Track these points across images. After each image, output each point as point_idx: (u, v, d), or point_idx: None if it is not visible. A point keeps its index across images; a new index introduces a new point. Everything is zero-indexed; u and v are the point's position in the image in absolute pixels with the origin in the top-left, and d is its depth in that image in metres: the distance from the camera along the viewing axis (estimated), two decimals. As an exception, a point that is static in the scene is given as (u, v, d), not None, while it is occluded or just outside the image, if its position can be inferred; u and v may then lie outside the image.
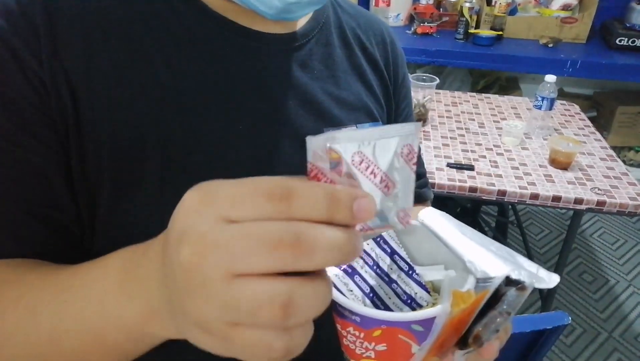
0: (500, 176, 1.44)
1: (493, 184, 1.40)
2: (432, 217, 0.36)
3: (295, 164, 0.50)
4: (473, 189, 1.39)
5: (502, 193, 1.38)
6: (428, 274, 0.37)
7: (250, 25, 0.49)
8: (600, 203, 1.35)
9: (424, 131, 1.69)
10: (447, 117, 1.81)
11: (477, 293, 0.30)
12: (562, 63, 2.21)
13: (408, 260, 0.37)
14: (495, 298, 0.31)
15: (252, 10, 0.46)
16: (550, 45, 2.33)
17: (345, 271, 0.37)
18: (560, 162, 1.48)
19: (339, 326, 0.33)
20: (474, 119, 1.80)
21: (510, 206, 2.25)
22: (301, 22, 0.54)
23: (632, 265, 2.29)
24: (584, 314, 2.01)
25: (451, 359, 0.33)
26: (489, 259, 0.31)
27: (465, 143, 1.62)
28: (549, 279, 0.32)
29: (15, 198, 0.41)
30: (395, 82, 0.65)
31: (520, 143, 1.62)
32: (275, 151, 0.50)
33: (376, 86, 0.61)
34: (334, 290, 0.31)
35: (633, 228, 2.55)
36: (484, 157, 1.54)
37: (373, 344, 0.31)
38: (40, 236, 0.43)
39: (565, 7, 2.46)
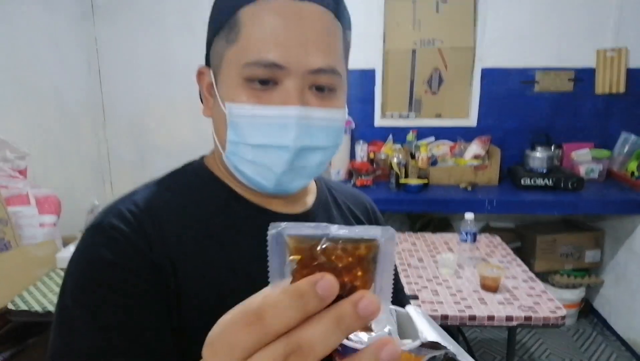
0: (441, 302, 1.63)
1: (436, 310, 1.58)
2: (414, 310, 0.56)
3: None
4: (419, 316, 1.56)
5: (445, 317, 1.56)
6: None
7: (275, 210, 0.73)
8: (528, 318, 1.55)
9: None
10: (390, 255, 2.05)
11: (416, 355, 0.47)
12: (481, 202, 2.57)
13: None
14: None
15: (256, 186, 0.69)
16: (469, 188, 2.73)
17: None
18: (490, 286, 1.71)
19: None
20: (413, 255, 2.04)
21: (459, 335, 2.40)
22: (309, 203, 0.79)
23: (581, 382, 2.43)
24: None
25: None
26: (435, 337, 0.48)
27: (408, 276, 1.83)
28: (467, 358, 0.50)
29: (145, 331, 0.58)
30: None
31: (455, 273, 1.86)
32: None
33: None
34: None
35: (574, 346, 2.74)
36: (426, 287, 1.75)
37: None
38: (160, 350, 0.59)
39: (476, 157, 2.95)
